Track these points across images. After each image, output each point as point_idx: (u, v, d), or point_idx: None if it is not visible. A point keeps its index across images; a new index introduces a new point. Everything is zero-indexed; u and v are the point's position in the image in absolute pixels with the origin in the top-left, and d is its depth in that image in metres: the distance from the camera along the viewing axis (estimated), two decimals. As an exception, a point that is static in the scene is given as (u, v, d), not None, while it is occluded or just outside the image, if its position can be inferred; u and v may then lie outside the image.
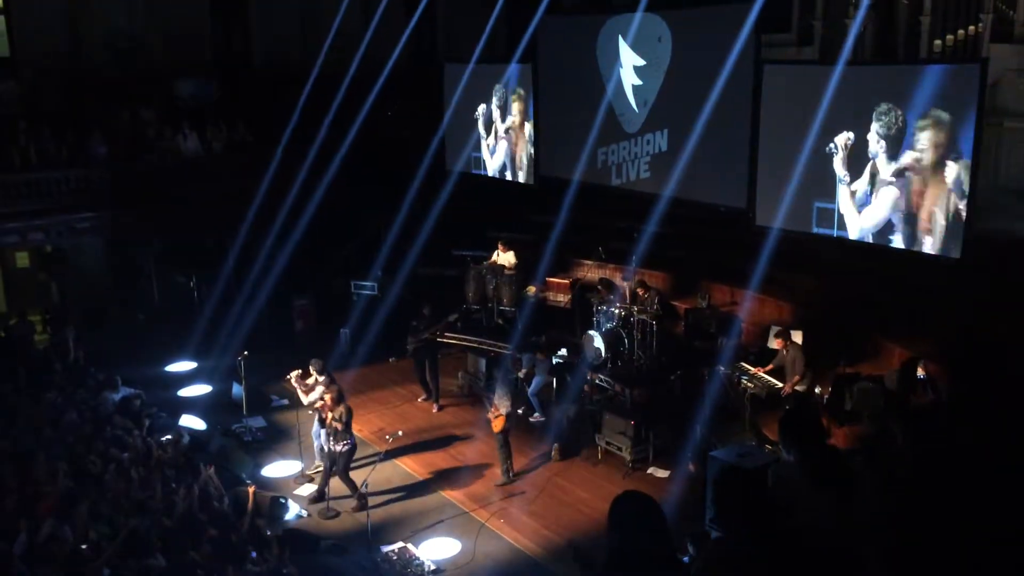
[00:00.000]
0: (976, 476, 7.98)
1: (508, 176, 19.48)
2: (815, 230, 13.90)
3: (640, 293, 13.71)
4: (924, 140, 12.25)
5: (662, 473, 10.52)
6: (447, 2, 20.14)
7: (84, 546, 8.19)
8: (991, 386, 9.93)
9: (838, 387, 11.05)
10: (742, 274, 14.47)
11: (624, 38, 16.52)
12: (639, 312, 13.16)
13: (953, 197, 12.07)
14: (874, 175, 12.95)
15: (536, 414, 12.20)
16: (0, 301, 16.75)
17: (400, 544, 9.22)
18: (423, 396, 13.04)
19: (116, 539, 8.22)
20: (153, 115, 17.92)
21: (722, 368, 11.54)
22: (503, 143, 19.41)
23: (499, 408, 10.54)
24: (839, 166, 13.36)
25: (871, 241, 13.22)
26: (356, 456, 10.38)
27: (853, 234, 13.39)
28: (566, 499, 10.12)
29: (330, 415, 10.04)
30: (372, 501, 9.80)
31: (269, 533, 8.73)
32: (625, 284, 14.65)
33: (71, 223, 15.99)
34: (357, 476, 10.15)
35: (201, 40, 19.12)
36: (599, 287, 14.64)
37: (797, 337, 11.75)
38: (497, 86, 19.29)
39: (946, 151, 12.01)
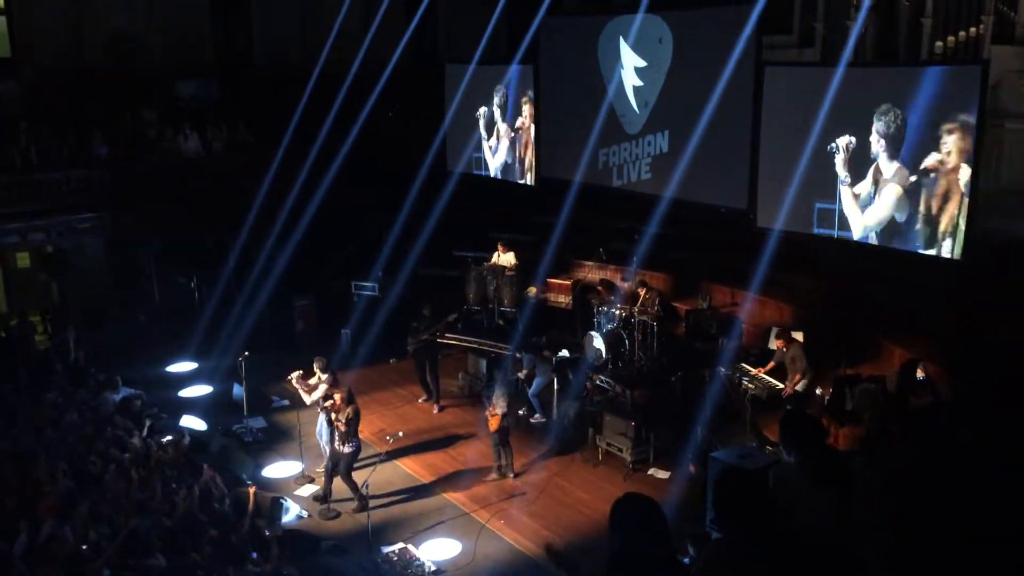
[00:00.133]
0: (976, 477, 7.97)
1: (511, 177, 19.47)
2: (816, 231, 13.90)
3: (641, 293, 13.71)
4: (925, 140, 12.26)
5: (662, 474, 10.52)
6: (448, 3, 20.14)
7: (84, 546, 8.19)
8: (991, 387, 9.93)
9: (839, 388, 11.03)
10: (743, 275, 14.47)
11: (625, 39, 16.52)
12: (640, 313, 13.16)
13: (954, 198, 12.08)
14: (876, 175, 12.95)
15: (537, 415, 12.20)
16: (0, 301, 16.76)
17: (400, 545, 9.22)
18: (423, 397, 13.04)
19: (116, 540, 8.21)
20: (154, 115, 17.94)
21: (723, 369, 11.54)
22: (504, 144, 19.41)
23: (495, 408, 10.55)
24: (840, 167, 13.35)
25: (872, 242, 13.22)
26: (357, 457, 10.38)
27: (855, 235, 13.39)
28: (566, 500, 10.11)
29: (336, 416, 10.04)
30: (373, 502, 9.79)
31: (268, 534, 8.72)
32: (626, 285, 14.65)
33: (72, 223, 16.01)
34: (358, 477, 10.15)
35: (202, 40, 19.14)
36: (599, 288, 14.64)
37: (798, 337, 11.74)
38: (498, 87, 19.29)
39: (947, 151, 12.01)
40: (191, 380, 13.83)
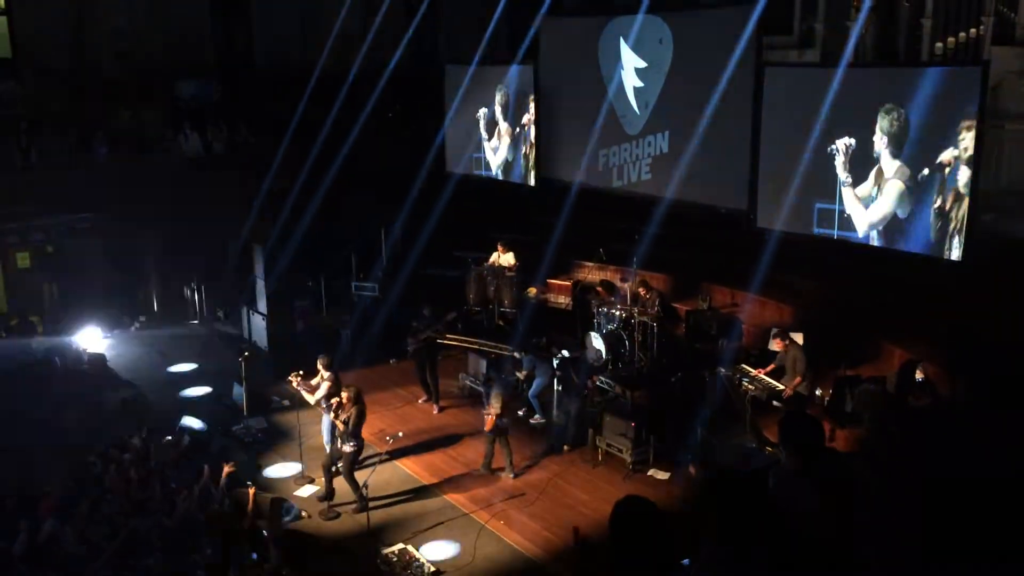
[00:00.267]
0: (976, 477, 7.96)
1: (511, 178, 19.47)
2: (816, 232, 13.91)
3: (642, 293, 13.71)
4: (925, 141, 12.27)
5: (662, 475, 10.51)
6: (448, 3, 20.15)
7: (84, 547, 8.19)
8: (991, 387, 9.93)
9: (839, 389, 11.05)
10: (743, 276, 14.47)
11: (625, 40, 16.53)
12: (640, 314, 13.16)
13: (954, 199, 12.09)
14: (877, 174, 12.96)
15: (537, 416, 12.19)
16: (0, 302, 16.75)
17: (400, 545, 9.22)
18: (423, 398, 13.03)
19: (116, 540, 8.22)
20: (154, 115, 17.94)
21: (723, 370, 11.53)
22: (505, 144, 19.41)
23: (490, 408, 10.58)
24: (841, 169, 13.36)
25: (874, 243, 13.23)
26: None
27: (858, 235, 13.39)
28: (566, 501, 10.11)
29: (342, 415, 10.04)
30: (372, 503, 9.79)
31: (266, 533, 8.72)
32: (626, 286, 14.65)
33: (72, 223, 16.01)
34: (358, 478, 10.14)
35: (202, 41, 19.15)
36: (599, 289, 14.63)
37: (798, 338, 11.74)
38: (498, 88, 19.29)
39: (947, 152, 12.02)
40: (191, 380, 13.83)
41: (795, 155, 13.94)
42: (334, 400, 10.32)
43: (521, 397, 12.44)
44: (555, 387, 12.61)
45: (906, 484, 8.18)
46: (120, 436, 10.66)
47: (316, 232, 16.70)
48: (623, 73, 16.72)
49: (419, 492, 10.46)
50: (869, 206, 13.17)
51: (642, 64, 16.31)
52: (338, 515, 9.98)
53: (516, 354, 12.47)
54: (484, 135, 19.81)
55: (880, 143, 12.83)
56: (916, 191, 12.52)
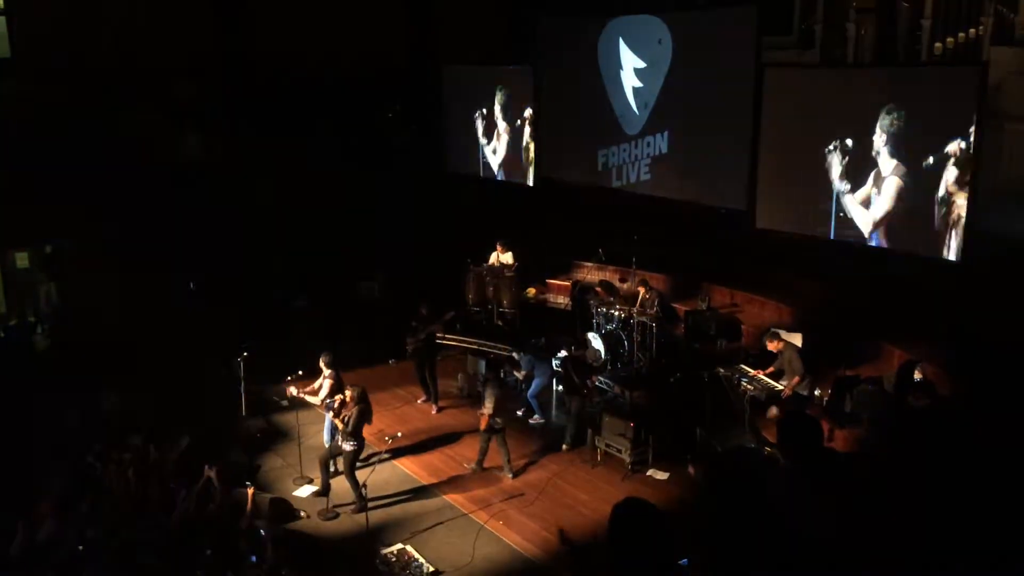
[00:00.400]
0: (975, 478, 7.96)
1: (510, 177, 19.48)
2: (815, 232, 13.92)
3: (641, 291, 13.71)
4: (925, 141, 12.28)
5: (661, 475, 10.52)
6: (447, 3, 20.15)
7: (82, 547, 8.18)
8: (990, 388, 9.94)
9: (838, 389, 11.05)
10: (742, 276, 14.52)
11: (625, 40, 16.54)
12: (639, 314, 13.16)
13: (954, 199, 12.10)
14: (876, 174, 12.97)
15: (536, 416, 12.19)
16: (0, 302, 16.74)
17: (399, 545, 9.22)
18: (422, 398, 13.03)
19: (115, 540, 8.21)
20: (153, 116, 17.92)
21: (722, 370, 11.54)
22: (504, 144, 19.41)
23: (484, 408, 10.61)
24: (837, 169, 13.38)
25: (873, 243, 13.23)
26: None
27: (855, 236, 13.40)
28: (565, 501, 10.11)
29: (344, 414, 10.05)
30: (371, 503, 9.79)
31: (264, 533, 8.71)
32: (625, 286, 14.66)
33: (70, 223, 15.99)
34: (357, 477, 10.14)
35: (202, 41, 19.11)
36: (599, 289, 14.65)
37: (794, 339, 11.75)
38: (497, 88, 19.30)
39: (947, 153, 12.04)
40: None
41: (794, 155, 13.97)
42: (336, 398, 10.32)
43: (520, 397, 12.45)
44: (554, 387, 12.64)
45: (905, 484, 8.18)
46: (119, 436, 10.64)
47: (315, 232, 16.73)
48: (622, 73, 16.72)
49: (418, 492, 10.46)
50: (867, 207, 13.18)
51: (641, 64, 16.32)
52: (337, 515, 9.98)
53: (515, 354, 12.47)
54: (483, 135, 19.83)
55: (879, 143, 12.85)
56: (915, 191, 12.54)
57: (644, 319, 13.16)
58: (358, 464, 10.31)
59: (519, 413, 12.31)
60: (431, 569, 8.84)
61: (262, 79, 18.52)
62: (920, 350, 11.28)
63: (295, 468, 10.90)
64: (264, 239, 16.67)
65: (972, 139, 11.75)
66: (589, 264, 15.83)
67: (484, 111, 19.66)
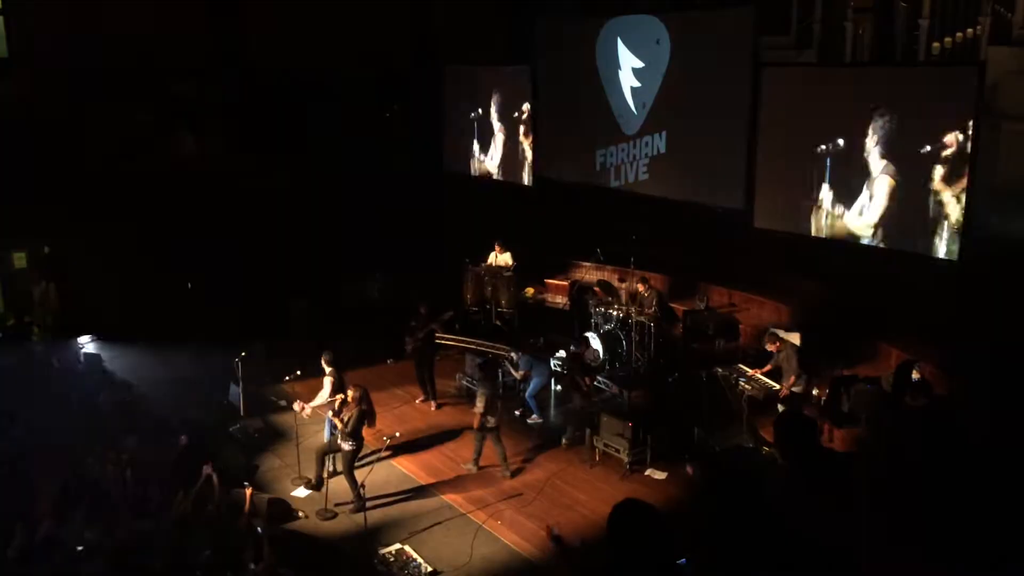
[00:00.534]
0: (973, 477, 7.97)
1: (508, 177, 19.49)
2: (813, 232, 13.93)
3: (640, 289, 13.70)
4: (922, 141, 12.29)
5: (660, 475, 10.52)
6: (447, 3, 20.15)
7: (80, 547, 8.18)
8: (987, 387, 9.95)
9: (835, 389, 11.06)
10: (740, 276, 14.52)
11: (623, 40, 16.54)
12: (637, 314, 13.17)
13: (951, 199, 12.11)
14: (871, 174, 12.99)
15: (534, 416, 12.20)
16: (-2, 302, 16.73)
17: (398, 545, 9.22)
18: (421, 398, 13.03)
19: (112, 541, 8.20)
20: (150, 116, 17.90)
21: (720, 370, 11.55)
22: (502, 144, 19.42)
23: (475, 407, 10.70)
24: (836, 168, 13.40)
25: (869, 243, 13.25)
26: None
27: (853, 236, 13.42)
28: (564, 501, 10.11)
29: (344, 414, 10.05)
30: (370, 502, 9.78)
31: (260, 531, 8.70)
32: (623, 286, 14.67)
33: (68, 224, 15.98)
34: (356, 477, 10.13)
35: (199, 40, 19.09)
36: (597, 288, 14.66)
37: (792, 338, 11.76)
38: (496, 88, 19.31)
39: (944, 153, 12.05)
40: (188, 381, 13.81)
41: (792, 155, 13.98)
42: (337, 397, 10.33)
43: (518, 397, 12.46)
44: (552, 387, 12.65)
45: (903, 484, 8.19)
46: (117, 436, 10.63)
47: (314, 232, 16.71)
48: (620, 73, 16.73)
49: (416, 492, 10.46)
50: (865, 206, 13.19)
51: (639, 64, 16.33)
52: (335, 515, 9.98)
53: (513, 354, 12.48)
54: (482, 135, 19.84)
55: (877, 142, 12.86)
56: (912, 191, 12.55)
57: (642, 319, 13.17)
58: (356, 463, 10.31)
59: (517, 413, 12.31)
60: (429, 569, 8.84)
61: (260, 79, 18.51)
62: (917, 350, 11.30)
63: (293, 468, 10.89)
64: (263, 239, 16.63)
65: (969, 139, 11.76)
66: (587, 264, 15.84)
67: (483, 111, 19.67)
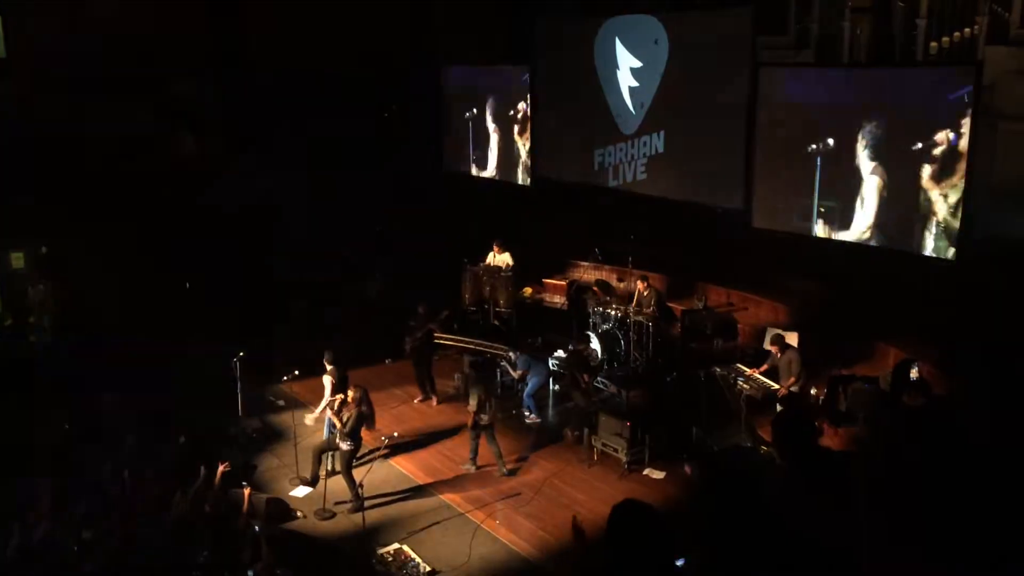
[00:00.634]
0: (971, 477, 7.98)
1: (507, 177, 19.50)
2: (811, 231, 13.94)
3: (640, 287, 13.69)
4: (919, 141, 12.31)
5: (658, 474, 10.52)
6: (445, 3, 20.16)
7: (77, 548, 8.17)
8: (987, 387, 9.96)
9: (833, 388, 11.07)
10: (739, 275, 14.52)
11: (621, 40, 16.55)
12: (635, 313, 13.17)
13: (948, 198, 12.13)
14: (870, 173, 13.01)
15: (532, 415, 12.20)
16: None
17: (396, 545, 9.22)
18: (419, 397, 13.03)
19: (110, 540, 8.19)
20: (150, 116, 17.90)
21: (718, 369, 11.55)
22: (501, 144, 19.43)
23: (468, 405, 10.77)
24: (833, 167, 13.42)
25: (866, 242, 13.26)
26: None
27: (850, 235, 13.44)
28: (562, 500, 10.11)
29: (344, 414, 10.06)
30: (368, 502, 9.78)
31: (258, 530, 8.70)
32: (621, 285, 14.67)
33: (66, 224, 15.97)
34: (354, 477, 10.13)
35: (199, 40, 19.09)
36: (595, 288, 14.66)
37: (790, 338, 11.77)
38: (495, 87, 19.32)
39: (942, 152, 12.07)
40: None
41: (790, 154, 13.99)
42: (337, 397, 10.33)
43: (516, 396, 12.46)
44: (551, 386, 12.66)
45: (901, 483, 8.20)
46: (115, 437, 10.62)
47: (312, 232, 16.71)
48: (618, 73, 16.74)
49: (415, 492, 10.46)
50: (860, 206, 13.22)
51: (637, 64, 16.34)
52: (333, 515, 9.98)
53: (511, 353, 12.49)
54: (480, 135, 19.84)
55: (874, 141, 12.88)
56: (910, 190, 12.56)
57: (641, 318, 13.17)
58: (355, 463, 10.31)
59: (515, 412, 12.31)
60: (427, 569, 8.84)
61: (260, 79, 18.51)
62: (916, 349, 11.31)
63: (291, 468, 10.89)
64: (262, 239, 16.64)
65: (967, 138, 11.78)
66: (585, 264, 15.84)
67: (481, 111, 19.68)
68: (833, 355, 11.90)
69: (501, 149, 19.45)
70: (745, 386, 11.14)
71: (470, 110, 19.89)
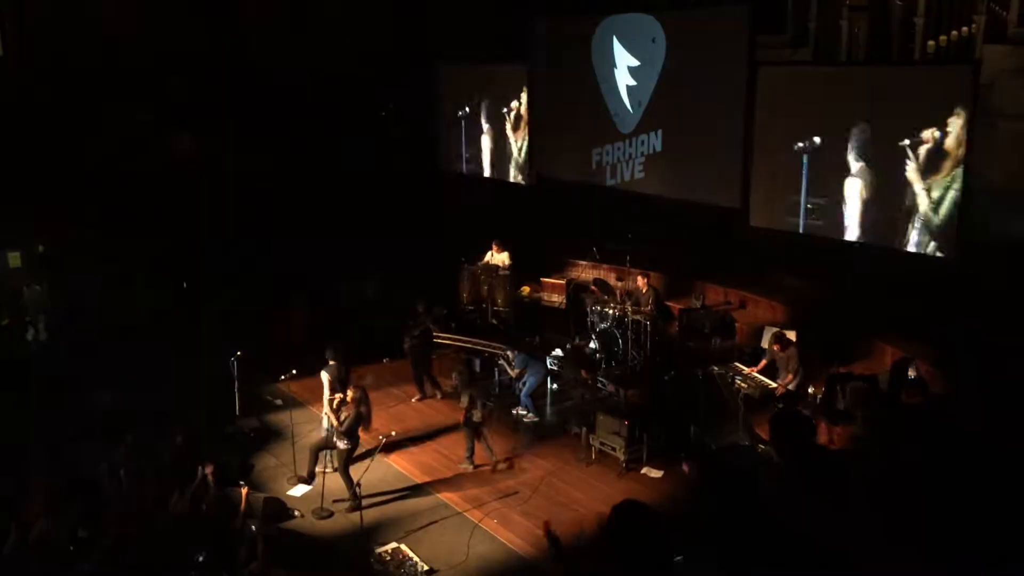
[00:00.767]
0: (968, 476, 7.98)
1: (504, 176, 19.49)
2: (809, 230, 13.94)
3: (640, 283, 13.67)
4: (916, 139, 12.32)
5: (656, 473, 10.52)
6: (441, 1, 20.15)
7: (74, 547, 8.16)
8: (984, 387, 9.96)
9: (831, 387, 11.05)
10: (736, 274, 14.52)
11: (618, 38, 16.55)
12: (633, 312, 13.17)
13: (946, 197, 12.13)
14: (867, 172, 13.02)
15: (530, 414, 12.20)
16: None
17: (393, 544, 9.21)
18: (417, 396, 13.03)
19: (107, 540, 8.18)
20: (149, 116, 17.87)
21: (716, 368, 11.55)
22: (497, 143, 19.42)
23: (460, 402, 10.89)
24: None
25: (865, 241, 13.27)
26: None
27: (848, 234, 13.45)
28: (560, 499, 10.10)
29: (342, 413, 10.05)
30: (365, 501, 9.77)
31: (255, 529, 8.69)
32: (620, 284, 14.67)
33: (64, 223, 15.95)
34: (352, 476, 10.12)
35: (194, 40, 19.07)
36: (593, 287, 14.66)
37: (791, 336, 11.76)
38: (491, 86, 19.31)
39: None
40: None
41: (788, 153, 13.99)
42: (336, 396, 10.31)
43: (514, 395, 12.46)
44: (549, 385, 12.66)
45: (899, 482, 8.20)
46: (113, 436, 10.60)
47: (310, 231, 16.69)
48: (616, 71, 16.73)
49: (412, 491, 10.45)
50: (861, 204, 13.22)
51: (635, 62, 16.33)
52: (331, 514, 9.97)
53: (509, 352, 12.49)
54: (477, 134, 19.83)
55: (871, 140, 12.88)
56: (908, 189, 12.57)
57: (639, 317, 13.16)
58: (352, 461, 10.30)
59: (513, 411, 12.31)
60: (425, 568, 8.83)
61: (255, 78, 18.49)
62: (912, 347, 11.31)
63: (289, 467, 10.88)
64: (261, 239, 16.61)
65: (965, 137, 11.79)
66: (583, 263, 15.84)
67: (478, 110, 19.66)
68: (831, 353, 11.89)
69: (497, 148, 19.44)
70: (743, 385, 11.13)
71: (466, 109, 19.88)
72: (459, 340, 14.03)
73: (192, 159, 17.88)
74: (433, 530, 9.59)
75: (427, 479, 10.69)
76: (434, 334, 13.21)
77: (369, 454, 10.31)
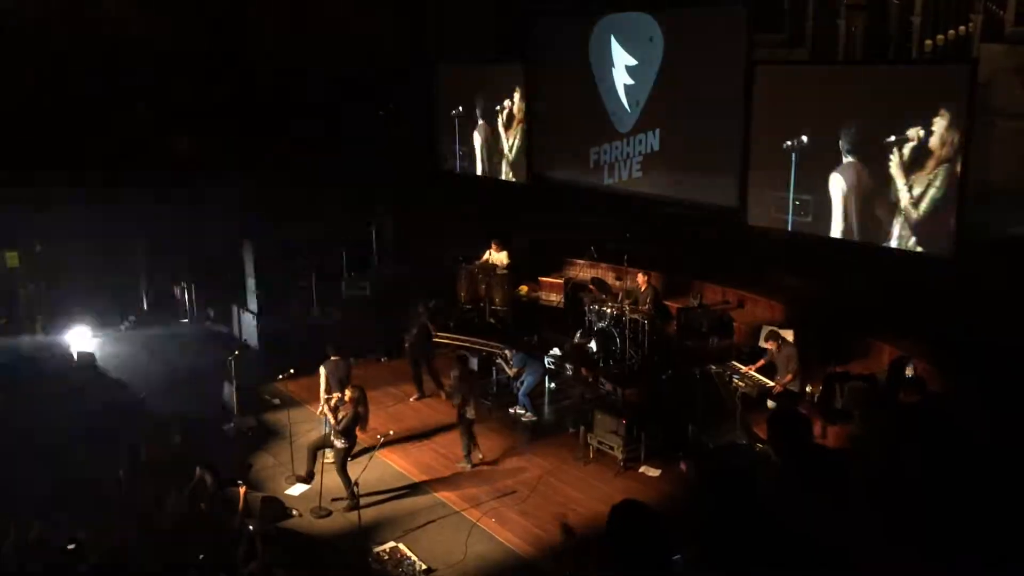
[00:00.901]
0: (968, 475, 7.99)
1: (502, 175, 19.49)
2: (808, 229, 13.94)
3: (640, 281, 13.65)
4: (916, 140, 12.32)
5: (653, 472, 10.52)
6: (442, 2, 20.15)
7: (71, 547, 8.16)
8: (982, 386, 9.97)
9: (829, 385, 11.07)
10: (734, 273, 14.52)
11: (616, 38, 16.54)
12: (631, 311, 13.17)
13: (944, 196, 12.14)
14: (864, 171, 13.02)
15: (528, 413, 12.20)
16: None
17: (392, 543, 9.21)
18: (415, 396, 13.02)
19: (105, 540, 8.18)
20: (150, 116, 17.86)
21: (713, 367, 11.55)
22: (495, 142, 19.42)
23: (453, 400, 10.98)
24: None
25: (862, 240, 13.27)
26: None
27: (847, 234, 13.45)
28: (557, 498, 10.10)
29: (340, 413, 10.06)
30: (363, 500, 9.77)
31: (253, 528, 8.69)
32: (618, 284, 14.67)
33: (63, 223, 15.95)
34: (350, 475, 10.13)
35: (195, 40, 19.05)
36: (591, 286, 14.66)
37: (786, 335, 11.77)
38: (489, 85, 19.30)
39: (937, 150, 12.09)
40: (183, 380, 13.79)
41: (786, 152, 13.99)
42: (335, 396, 10.32)
43: (513, 394, 12.47)
44: (547, 384, 12.66)
45: (897, 481, 8.21)
46: (111, 437, 10.61)
47: (309, 231, 16.68)
48: (614, 71, 16.72)
49: (410, 490, 10.46)
50: (847, 201, 13.23)
51: (632, 62, 16.33)
52: (329, 513, 9.97)
53: (507, 351, 12.50)
54: (475, 133, 19.83)
55: (864, 138, 12.89)
56: (905, 188, 12.57)
57: (637, 316, 13.17)
58: (350, 460, 10.31)
59: (511, 410, 12.31)
60: (423, 567, 8.84)
61: (260, 79, 18.49)
62: (909, 346, 11.32)
63: (287, 467, 10.88)
64: (260, 239, 16.60)
65: (963, 136, 11.79)
66: (581, 262, 15.84)
67: (477, 109, 19.66)
68: (829, 352, 11.90)
69: (496, 147, 19.44)
70: (741, 384, 11.13)
71: (465, 108, 19.87)
72: (458, 339, 14.02)
73: (194, 159, 17.88)
74: (431, 529, 9.60)
75: (425, 478, 10.69)
76: (433, 335, 13.20)
77: (367, 453, 10.32)
